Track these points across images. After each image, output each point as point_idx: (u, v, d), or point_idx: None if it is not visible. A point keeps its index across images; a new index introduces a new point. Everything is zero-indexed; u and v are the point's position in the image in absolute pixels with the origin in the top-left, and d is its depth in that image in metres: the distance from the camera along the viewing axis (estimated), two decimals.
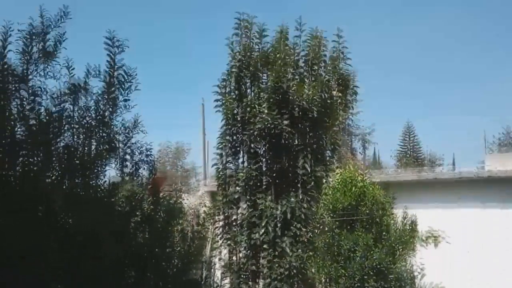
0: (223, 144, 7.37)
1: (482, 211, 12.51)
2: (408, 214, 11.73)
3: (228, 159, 7.37)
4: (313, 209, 7.71)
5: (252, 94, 7.53)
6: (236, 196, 7.16)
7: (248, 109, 7.19)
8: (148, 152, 5.55)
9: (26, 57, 5.19)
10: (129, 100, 5.40)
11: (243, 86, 7.51)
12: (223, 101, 7.41)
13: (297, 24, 7.78)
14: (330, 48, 8.08)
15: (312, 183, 7.39)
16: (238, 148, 7.40)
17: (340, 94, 8.15)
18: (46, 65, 5.23)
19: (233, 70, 7.38)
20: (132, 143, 5.43)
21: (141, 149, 5.49)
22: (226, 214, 7.16)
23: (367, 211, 11.21)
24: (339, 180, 11.67)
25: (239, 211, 7.28)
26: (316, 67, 7.84)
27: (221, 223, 7.15)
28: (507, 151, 28.06)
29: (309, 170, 7.19)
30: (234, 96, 7.46)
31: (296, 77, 7.75)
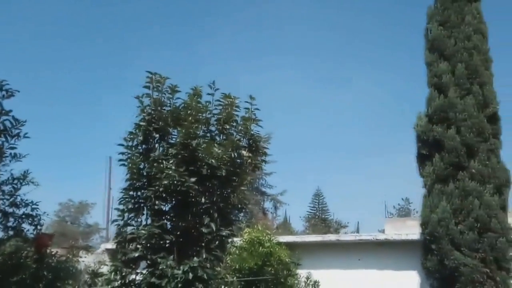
0: (126, 199, 7.06)
1: (379, 272, 13.01)
2: (311, 275, 11.90)
3: (130, 216, 7.06)
4: (217, 269, 7.54)
5: (160, 149, 7.38)
6: (135, 255, 6.81)
7: (155, 164, 7.00)
8: (34, 206, 5.16)
9: None
10: (15, 148, 5.04)
11: (151, 140, 7.35)
12: (129, 155, 7.18)
13: (211, 83, 7.88)
14: (243, 109, 8.26)
15: (217, 242, 7.23)
16: (141, 205, 7.10)
17: (250, 155, 8.23)
18: None
19: (142, 123, 7.21)
20: (16, 196, 5.04)
21: (26, 202, 5.11)
22: (123, 274, 6.75)
23: (273, 272, 11.21)
24: (246, 240, 11.66)
25: (139, 271, 6.91)
26: (227, 126, 7.88)
27: (117, 283, 6.71)
28: (404, 217, 29.87)
29: (214, 229, 7.06)
30: (140, 151, 7.26)
31: (207, 135, 7.77)
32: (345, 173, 57.98)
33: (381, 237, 13.22)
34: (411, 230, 12.28)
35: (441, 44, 12.45)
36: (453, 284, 11.15)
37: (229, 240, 7.57)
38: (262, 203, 33.89)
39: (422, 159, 12.38)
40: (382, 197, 66.76)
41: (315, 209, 36.60)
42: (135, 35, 63.55)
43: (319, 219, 35.21)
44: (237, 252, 10.53)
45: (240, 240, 10.98)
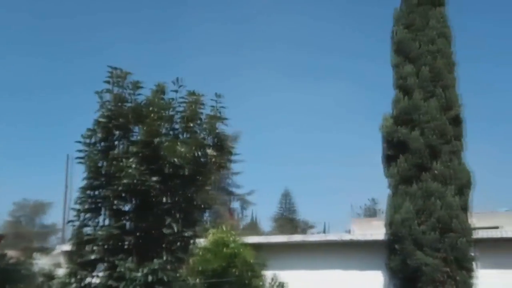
0: (83, 199, 6.80)
1: (345, 272, 13.05)
2: (277, 276, 11.80)
3: (87, 216, 6.80)
4: (179, 271, 7.35)
5: (121, 147, 7.14)
6: (93, 257, 6.55)
7: (115, 162, 6.76)
8: None
9: None
10: None
11: (111, 138, 7.10)
12: (87, 153, 6.91)
13: (175, 80, 7.68)
14: (208, 107, 8.10)
15: (179, 244, 7.05)
16: (100, 205, 6.86)
17: (215, 154, 8.08)
18: None
19: (101, 120, 6.96)
20: None
21: None
22: (79, 277, 6.48)
23: (237, 273, 11.05)
24: (211, 241, 11.46)
25: (96, 274, 6.66)
26: (192, 124, 7.70)
27: (72, 286, 6.45)
28: (371, 217, 30.22)
29: (176, 230, 6.86)
30: (100, 148, 7.00)
31: (171, 133, 7.57)
32: (314, 174, 58.43)
33: (347, 237, 13.27)
34: (377, 231, 12.35)
35: (407, 46, 12.58)
36: (415, 284, 11.26)
37: (192, 241, 7.39)
38: (229, 203, 33.71)
39: (388, 160, 12.47)
40: (350, 197, 67.58)
41: (283, 209, 36.67)
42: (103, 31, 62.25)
43: (287, 220, 35.28)
44: (200, 253, 10.34)
45: (204, 241, 10.80)
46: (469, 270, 11.23)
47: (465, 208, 11.75)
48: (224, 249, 10.88)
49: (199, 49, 63.32)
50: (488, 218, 13.39)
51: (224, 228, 11.41)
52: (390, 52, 12.91)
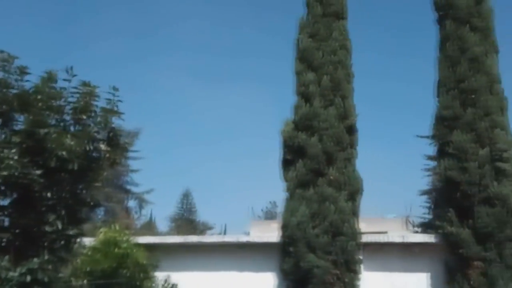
0: None
1: (240, 274, 13.12)
2: (170, 278, 11.53)
3: None
4: (61, 271, 6.90)
5: (2, 136, 6.57)
6: None
7: None
8: None
9: None
10: None
11: None
12: None
13: (68, 69, 7.21)
14: (104, 100, 7.72)
15: (62, 242, 6.62)
16: None
17: (108, 149, 7.72)
18: None
19: None
20: None
21: None
22: None
23: (128, 274, 10.62)
24: (101, 240, 10.90)
25: None
26: (84, 117, 7.28)
27: None
28: (271, 220, 30.83)
29: (59, 228, 6.43)
30: None
31: (60, 124, 7.10)
32: (215, 176, 58.58)
33: (244, 239, 13.34)
34: (275, 233, 12.55)
35: (310, 55, 12.98)
36: (306, 285, 11.60)
37: (77, 240, 6.97)
38: (125, 201, 32.65)
39: (286, 164, 12.76)
40: (251, 200, 68.62)
41: (183, 210, 36.22)
42: None
43: (186, 220, 34.90)
44: (89, 253, 9.82)
45: (94, 241, 10.28)
46: (356, 272, 11.79)
47: (355, 213, 12.35)
48: (115, 249, 10.41)
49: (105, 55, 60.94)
50: (378, 224, 14.17)
51: (117, 227, 10.94)
52: (293, 59, 13.27)
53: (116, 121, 7.86)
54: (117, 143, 7.81)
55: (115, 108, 7.75)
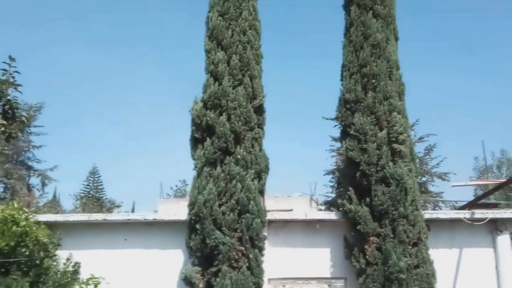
0: None
1: (146, 251, 13.10)
2: (72, 256, 11.29)
3: None
4: None
5: None
6: None
7: None
8: None
9: None
10: None
11: None
12: None
13: None
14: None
15: None
16: None
17: (4, 122, 7.34)
18: None
19: None
20: None
21: None
22: None
23: (28, 253, 10.28)
24: None
25: None
26: None
27: None
28: (180, 198, 30.80)
29: None
30: None
31: None
32: (124, 153, 57.09)
33: (150, 217, 13.27)
34: (183, 211, 12.62)
35: (220, 34, 13.00)
36: (212, 262, 11.84)
37: None
38: (27, 178, 30.99)
39: (195, 142, 12.80)
40: (161, 178, 67.83)
41: (90, 187, 35.03)
42: None
43: (93, 198, 33.81)
44: None
45: None
46: (261, 249, 12.21)
47: (261, 191, 12.72)
48: (14, 227, 9.99)
49: None
50: (285, 202, 14.66)
51: (16, 205, 10.46)
52: (204, 37, 13.22)
53: (12, 94, 7.51)
54: (14, 116, 7.45)
55: (11, 79, 7.38)
